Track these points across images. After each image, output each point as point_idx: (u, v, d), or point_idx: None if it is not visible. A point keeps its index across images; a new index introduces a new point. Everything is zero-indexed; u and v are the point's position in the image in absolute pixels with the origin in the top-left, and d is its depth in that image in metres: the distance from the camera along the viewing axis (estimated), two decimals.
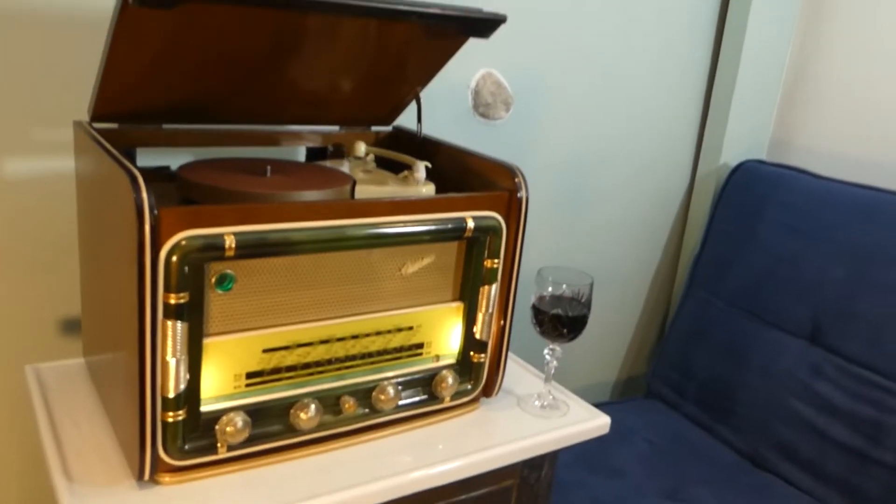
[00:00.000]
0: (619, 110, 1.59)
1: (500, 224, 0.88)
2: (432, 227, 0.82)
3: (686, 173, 1.77)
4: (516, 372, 1.07)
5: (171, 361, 0.70)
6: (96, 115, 0.86)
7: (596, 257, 1.67)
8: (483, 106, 1.39)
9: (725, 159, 1.72)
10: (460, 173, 0.96)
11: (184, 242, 0.68)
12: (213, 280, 0.73)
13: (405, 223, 0.80)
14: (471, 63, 1.36)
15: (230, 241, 0.70)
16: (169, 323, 0.69)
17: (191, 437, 0.74)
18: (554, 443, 0.93)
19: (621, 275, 1.75)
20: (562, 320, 0.93)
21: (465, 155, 0.96)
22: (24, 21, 0.96)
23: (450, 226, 0.84)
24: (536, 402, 0.98)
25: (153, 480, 0.75)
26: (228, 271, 0.73)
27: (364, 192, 0.88)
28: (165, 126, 0.92)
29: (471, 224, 0.85)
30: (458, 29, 0.89)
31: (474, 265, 0.89)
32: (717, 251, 1.66)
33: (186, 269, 0.68)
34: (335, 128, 1.06)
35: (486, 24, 0.87)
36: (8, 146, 0.98)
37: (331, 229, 0.76)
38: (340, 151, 1.05)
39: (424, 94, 1.08)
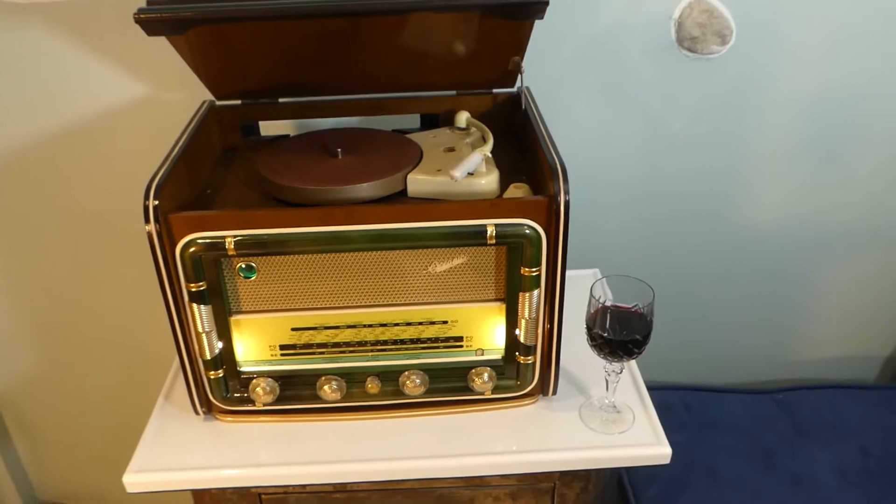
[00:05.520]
0: None
1: (535, 232, 0.81)
2: (443, 233, 0.80)
3: None
4: None
5: (203, 334, 0.85)
6: (218, 96, 1.00)
7: (856, 212, 1.35)
8: (688, 40, 1.19)
9: None
10: (531, 162, 0.89)
11: (193, 242, 0.79)
12: (238, 269, 0.84)
13: (408, 230, 0.80)
14: None
15: (230, 243, 0.79)
16: (194, 305, 0.83)
17: (233, 389, 0.90)
18: (590, 462, 0.88)
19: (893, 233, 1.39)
20: (610, 343, 0.83)
21: (537, 144, 0.88)
22: None
23: (466, 233, 0.80)
24: (597, 412, 0.91)
25: (214, 417, 0.93)
26: (252, 263, 0.83)
27: (415, 180, 0.88)
28: (282, 100, 1.02)
29: (491, 231, 0.80)
30: (498, 14, 0.79)
31: (511, 271, 0.84)
32: None
33: (200, 262, 0.80)
34: (451, 92, 1.04)
35: (525, 8, 0.77)
36: None
37: (325, 234, 0.80)
38: (452, 118, 1.04)
39: (618, 29, 1.15)
